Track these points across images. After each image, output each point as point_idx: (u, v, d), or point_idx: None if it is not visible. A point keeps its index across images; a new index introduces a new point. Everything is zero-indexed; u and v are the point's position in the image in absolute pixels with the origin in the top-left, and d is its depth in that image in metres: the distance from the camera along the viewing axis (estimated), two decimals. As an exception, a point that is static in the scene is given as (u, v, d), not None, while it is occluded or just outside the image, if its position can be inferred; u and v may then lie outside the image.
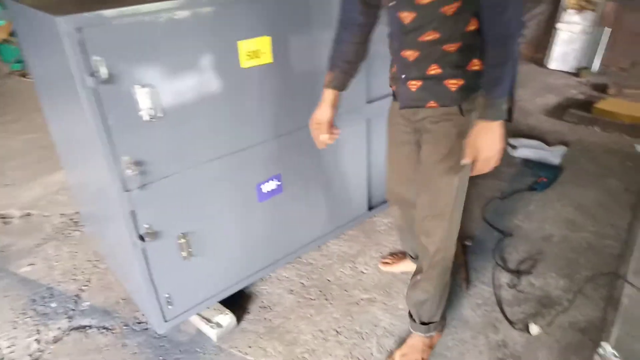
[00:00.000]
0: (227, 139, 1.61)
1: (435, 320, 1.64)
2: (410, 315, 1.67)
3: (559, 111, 3.70)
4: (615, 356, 0.97)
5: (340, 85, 1.46)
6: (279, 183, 1.84)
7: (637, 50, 4.46)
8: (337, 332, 1.78)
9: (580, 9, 4.44)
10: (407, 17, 1.23)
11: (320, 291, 1.98)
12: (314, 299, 1.94)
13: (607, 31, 4.36)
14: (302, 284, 2.02)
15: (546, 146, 3.04)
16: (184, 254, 1.62)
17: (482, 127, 1.21)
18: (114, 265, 2.06)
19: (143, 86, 1.34)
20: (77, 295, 1.99)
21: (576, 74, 4.49)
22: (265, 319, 1.85)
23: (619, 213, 2.42)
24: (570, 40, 4.52)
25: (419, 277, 1.57)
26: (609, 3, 4.38)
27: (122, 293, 1.99)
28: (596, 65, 4.49)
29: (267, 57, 1.60)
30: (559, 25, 4.53)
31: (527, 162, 2.92)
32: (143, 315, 1.87)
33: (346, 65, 1.44)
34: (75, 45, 1.19)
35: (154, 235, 1.52)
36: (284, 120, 1.74)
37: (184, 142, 1.50)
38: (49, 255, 2.25)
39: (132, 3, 1.28)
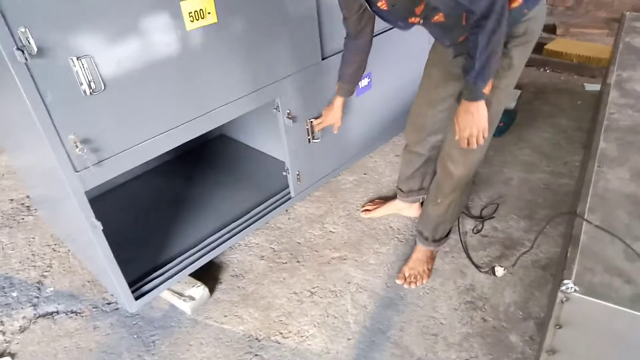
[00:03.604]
0: (181, 107, 1.53)
1: (446, 235, 1.85)
2: (420, 233, 1.83)
3: (511, 54, 3.74)
4: (576, 291, 1.01)
5: (348, 93, 1.82)
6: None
7: (582, -12, 4.51)
8: (311, 292, 1.80)
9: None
10: (439, 18, 1.33)
11: (291, 254, 1.98)
12: (286, 263, 1.94)
13: (553, -31, 4.38)
14: (272, 248, 2.02)
15: (501, 91, 3.08)
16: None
17: (464, 106, 1.35)
18: (74, 248, 1.98)
19: (79, 57, 1.23)
20: (39, 282, 1.91)
21: (526, 15, 4.52)
22: (238, 287, 1.85)
23: (571, 151, 2.51)
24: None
25: (439, 200, 1.70)
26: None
27: (87, 275, 1.93)
28: (545, 5, 4.53)
29: (212, 17, 1.50)
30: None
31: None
32: (112, 295, 1.82)
33: (351, 78, 1.75)
34: (-6, 17, 1.07)
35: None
36: (237, 84, 1.67)
37: (134, 114, 1.41)
38: (3, 244, 2.13)
39: None
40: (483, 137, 1.41)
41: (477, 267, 1.85)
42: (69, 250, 2.06)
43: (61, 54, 1.19)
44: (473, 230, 2.02)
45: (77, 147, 1.30)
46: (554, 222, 2.03)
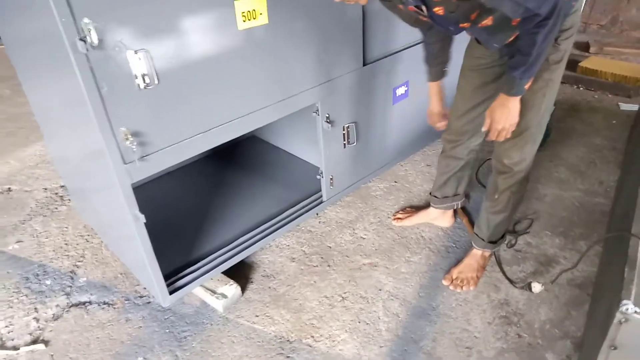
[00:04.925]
0: (227, 106, 1.55)
1: (501, 237, 1.85)
2: (478, 236, 1.83)
3: (543, 70, 3.71)
4: (637, 312, 0.99)
5: (439, 76, 1.74)
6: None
7: (615, 7, 4.46)
8: (342, 297, 1.79)
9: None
10: (487, 22, 1.33)
11: (322, 258, 1.98)
12: (317, 266, 1.94)
13: (588, -12, 4.35)
14: (303, 251, 2.01)
15: (534, 106, 3.05)
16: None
17: (501, 100, 1.38)
18: (109, 240, 2.00)
19: (137, 51, 1.25)
20: (72, 272, 1.94)
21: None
22: (269, 287, 1.84)
23: (606, 170, 2.47)
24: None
25: (496, 195, 1.72)
26: (589, -42, 4.35)
27: (120, 267, 1.95)
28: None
29: (263, 18, 1.52)
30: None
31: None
32: (144, 289, 1.84)
33: (435, 60, 1.70)
34: (63, 7, 1.09)
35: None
36: (281, 86, 1.68)
37: (184, 110, 1.43)
38: (37, 232, 2.16)
39: None
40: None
41: (511, 282, 1.83)
42: (101, 242, 2.08)
43: (119, 47, 1.21)
44: (507, 244, 1.99)
45: (127, 139, 1.32)
46: (588, 241, 2.00)
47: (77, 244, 2.08)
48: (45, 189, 2.47)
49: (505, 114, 1.39)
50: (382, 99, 2.15)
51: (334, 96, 1.90)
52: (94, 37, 1.16)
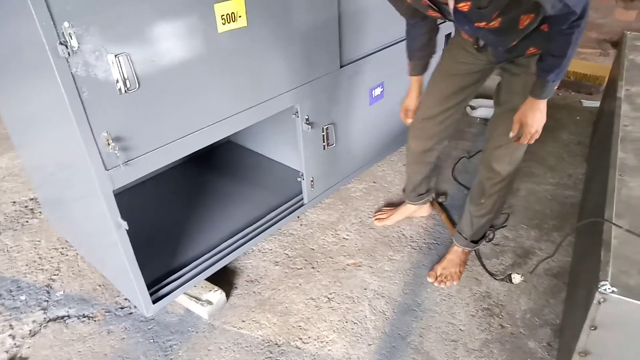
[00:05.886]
0: (209, 109, 1.53)
1: (483, 236, 1.91)
2: (460, 234, 1.87)
3: (509, 71, 3.84)
4: (614, 292, 1.04)
5: (421, 71, 1.74)
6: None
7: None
8: (328, 298, 1.80)
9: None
10: (495, 23, 1.30)
11: (306, 260, 1.98)
12: (301, 269, 1.93)
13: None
14: (287, 254, 2.01)
15: (502, 105, 3.15)
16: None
17: (532, 104, 1.38)
18: (86, 250, 1.94)
19: (117, 55, 1.23)
20: (48, 286, 1.87)
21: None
22: (254, 292, 1.83)
23: (574, 164, 2.57)
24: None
25: (482, 200, 1.75)
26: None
27: (98, 279, 1.89)
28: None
29: (242, 21, 1.52)
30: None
31: (486, 121, 3.02)
32: (125, 299, 1.79)
33: (421, 53, 1.69)
34: (43, 11, 1.06)
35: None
36: (264, 86, 1.68)
37: (165, 114, 1.41)
38: (8, 247, 2.08)
39: None
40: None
41: (491, 275, 1.87)
42: (77, 254, 2.02)
43: (100, 51, 1.19)
44: (485, 239, 2.04)
45: (109, 144, 1.29)
46: (562, 232, 2.07)
47: (52, 257, 2.01)
48: (14, 202, 2.38)
49: (538, 116, 1.39)
50: (359, 100, 2.17)
51: (313, 98, 1.91)
52: (74, 42, 1.13)
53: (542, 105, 1.38)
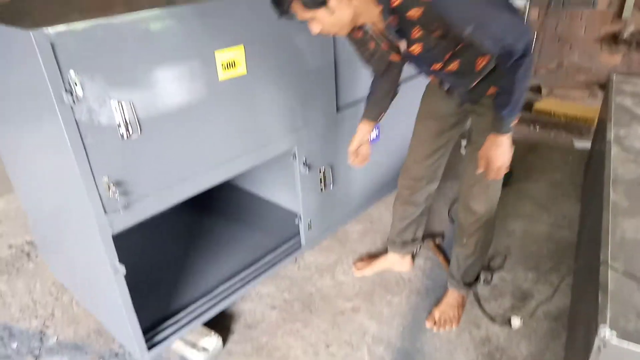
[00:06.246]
0: (209, 153, 1.56)
1: (475, 279, 1.89)
2: (452, 277, 1.86)
3: (501, 113, 3.92)
4: (614, 336, 1.03)
5: (373, 117, 1.73)
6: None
7: (561, 53, 4.82)
8: (327, 344, 1.77)
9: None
10: (453, 66, 1.42)
11: (304, 304, 1.96)
12: (299, 313, 1.91)
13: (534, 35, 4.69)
14: (284, 298, 1.99)
15: (496, 146, 3.20)
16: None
17: (494, 139, 1.41)
18: (82, 295, 1.92)
19: (120, 102, 1.27)
20: (41, 332, 1.83)
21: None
22: (251, 338, 1.80)
23: (568, 204, 2.59)
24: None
25: (464, 240, 1.76)
26: (533, 9, 4.71)
27: (93, 324, 1.86)
28: (528, 68, 4.81)
29: (242, 69, 1.57)
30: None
31: (480, 163, 3.06)
32: (120, 346, 1.75)
33: (381, 102, 1.70)
34: (50, 60, 1.10)
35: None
36: (263, 130, 1.72)
37: (165, 158, 1.43)
38: (1, 291, 2.05)
39: (98, 14, 1.20)
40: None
41: (491, 318, 1.86)
42: (72, 299, 1.99)
43: (104, 98, 1.23)
44: (483, 281, 2.04)
45: (109, 189, 1.31)
46: (559, 274, 2.07)
47: (46, 302, 1.98)
48: (10, 245, 2.36)
49: (500, 152, 1.42)
50: (355, 143, 2.21)
51: (310, 141, 1.94)
52: (79, 89, 1.17)
53: (503, 140, 1.40)
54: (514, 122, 1.37)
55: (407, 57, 1.41)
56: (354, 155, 1.78)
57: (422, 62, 1.44)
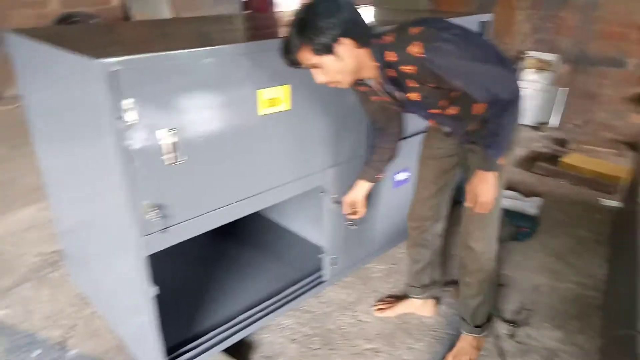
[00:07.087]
0: (248, 182, 1.60)
1: (487, 321, 1.88)
2: (463, 319, 1.86)
3: (527, 163, 3.92)
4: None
5: (371, 179, 1.79)
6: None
7: (588, 109, 4.84)
8: (345, 384, 1.74)
9: (538, 69, 4.82)
10: (453, 111, 1.51)
11: (323, 340, 1.94)
12: (318, 349, 1.89)
13: (563, 90, 4.73)
14: (304, 332, 1.98)
15: (522, 197, 3.19)
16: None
17: (480, 176, 1.47)
18: (105, 309, 1.93)
19: (168, 130, 1.32)
20: (62, 343, 1.84)
21: (537, 127, 4.81)
22: (269, 370, 1.79)
23: (594, 263, 2.55)
24: (530, 97, 4.86)
25: (467, 279, 1.79)
26: (564, 65, 4.78)
27: (113, 340, 1.87)
28: (553, 121, 4.83)
29: (286, 105, 1.62)
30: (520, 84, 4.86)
31: (505, 212, 3.04)
32: (139, 365, 1.75)
33: (378, 164, 1.77)
34: (110, 88, 1.16)
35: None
36: (301, 165, 1.76)
37: (204, 185, 1.47)
38: (26, 299, 2.08)
39: (152, 48, 1.28)
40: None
41: (515, 374, 1.82)
42: (95, 312, 2.01)
43: (153, 125, 1.28)
44: (508, 335, 2.00)
45: (149, 212, 1.34)
46: (586, 336, 2.02)
47: (69, 313, 2.00)
48: (38, 254, 2.40)
49: (486, 188, 1.48)
50: (383, 184, 2.22)
51: (341, 178, 1.97)
52: (133, 115, 1.22)
53: (489, 177, 1.46)
54: (500, 161, 1.44)
55: (406, 103, 1.52)
56: (347, 206, 1.85)
57: (420, 108, 1.54)
